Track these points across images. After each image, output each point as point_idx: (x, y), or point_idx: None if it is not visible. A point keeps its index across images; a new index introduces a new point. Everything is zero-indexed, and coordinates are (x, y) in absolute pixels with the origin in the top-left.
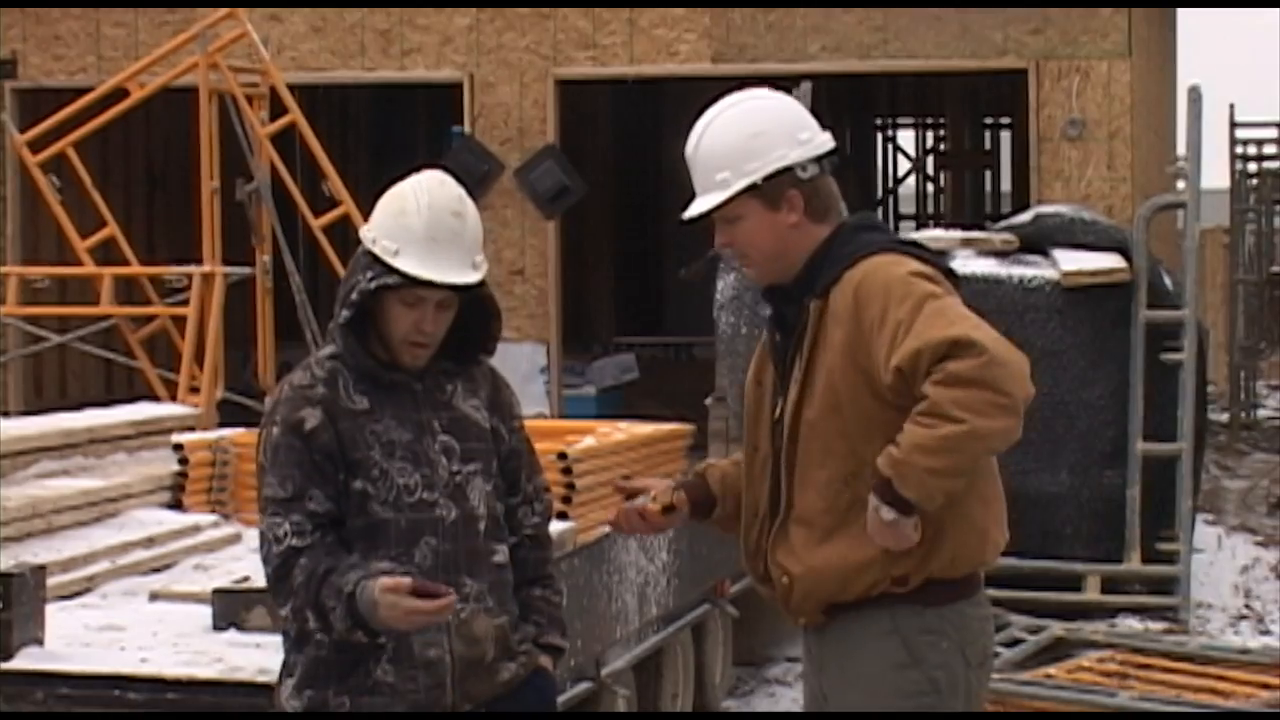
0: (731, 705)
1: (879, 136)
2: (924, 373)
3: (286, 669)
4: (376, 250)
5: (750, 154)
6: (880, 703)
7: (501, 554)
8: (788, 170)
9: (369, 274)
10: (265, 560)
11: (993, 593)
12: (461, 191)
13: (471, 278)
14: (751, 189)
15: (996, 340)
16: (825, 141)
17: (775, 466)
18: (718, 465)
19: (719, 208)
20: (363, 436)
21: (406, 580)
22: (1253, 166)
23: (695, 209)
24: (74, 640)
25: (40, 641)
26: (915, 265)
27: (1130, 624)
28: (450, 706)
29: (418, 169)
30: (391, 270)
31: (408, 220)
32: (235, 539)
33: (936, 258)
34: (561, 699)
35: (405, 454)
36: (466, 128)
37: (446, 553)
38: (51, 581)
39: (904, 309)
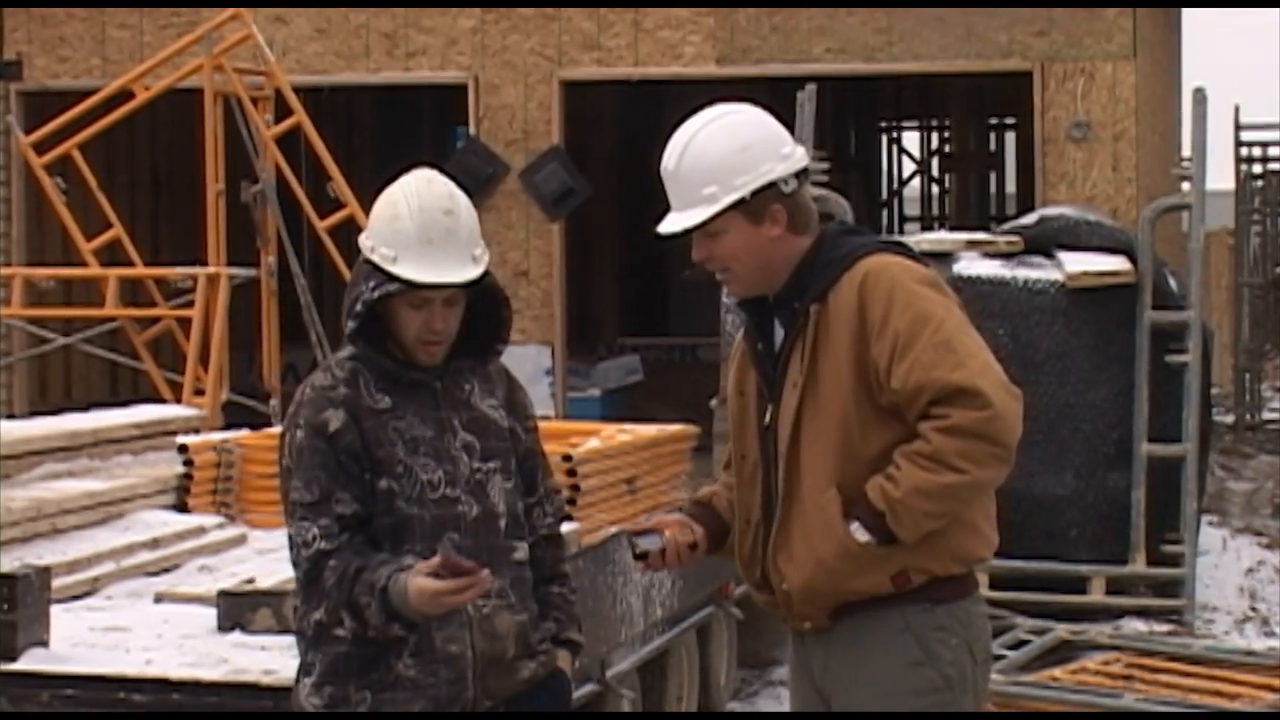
0: (736, 707)
1: (883, 138)
2: (923, 410)
3: (304, 668)
4: (375, 259)
5: (737, 169)
6: (894, 701)
7: (521, 551)
8: (772, 185)
9: (371, 283)
10: (295, 564)
11: (997, 594)
12: (451, 187)
13: (472, 273)
14: (737, 204)
15: (997, 387)
16: (803, 156)
17: (767, 473)
18: (720, 493)
19: (704, 224)
20: (386, 434)
21: (434, 561)
22: (1258, 168)
23: (677, 224)
24: (79, 642)
25: (45, 643)
26: (918, 270)
27: (1135, 626)
28: (470, 702)
29: (410, 169)
30: (389, 277)
31: (401, 225)
32: (240, 540)
33: (924, 258)
34: None
35: (428, 450)
36: (471, 129)
37: (468, 549)
38: (56, 583)
39: (904, 319)
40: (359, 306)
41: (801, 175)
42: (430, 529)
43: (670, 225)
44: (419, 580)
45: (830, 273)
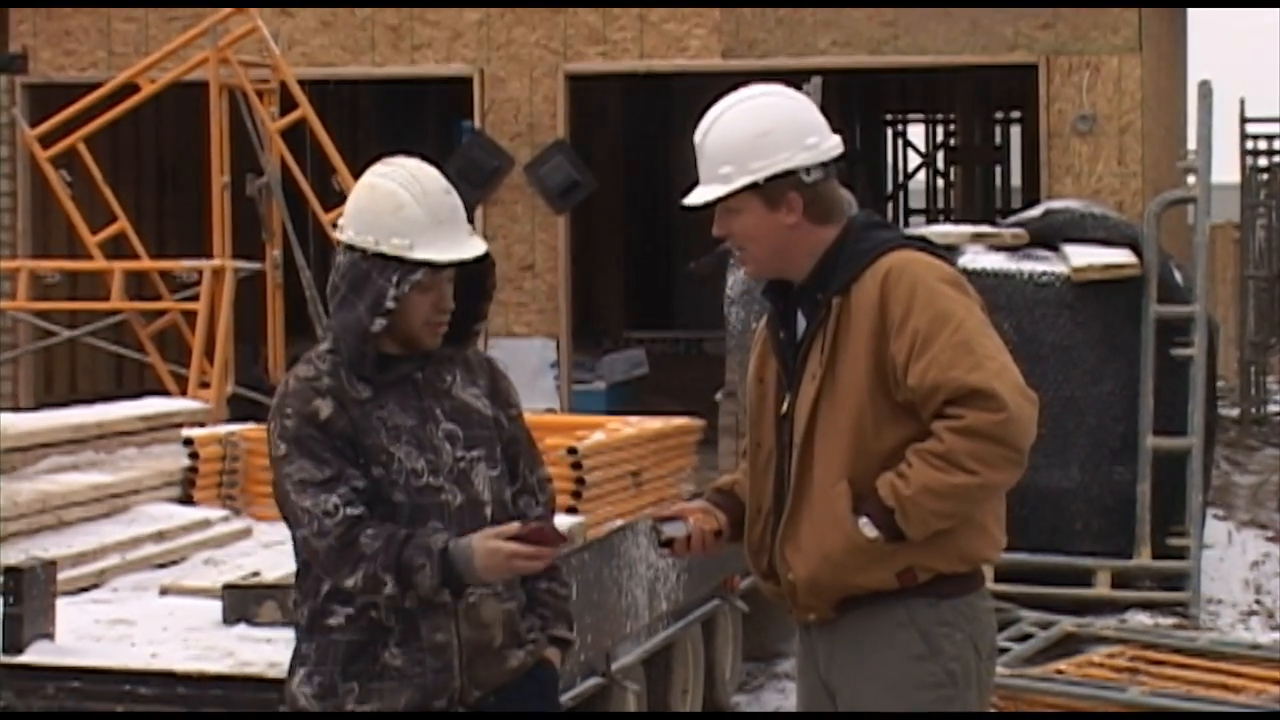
0: (741, 700)
1: (889, 131)
2: (937, 409)
3: (298, 658)
4: (387, 250)
5: (755, 153)
6: (898, 695)
7: None
8: (791, 173)
9: (394, 277)
10: (320, 534)
11: (1003, 587)
12: (433, 168)
13: (481, 246)
14: (752, 186)
15: (1013, 390)
16: (832, 147)
17: (780, 462)
18: (740, 481)
19: (717, 201)
20: (370, 423)
21: (510, 527)
22: (1263, 161)
23: (696, 198)
24: (84, 635)
25: (51, 636)
26: (942, 268)
27: (1140, 619)
28: (458, 691)
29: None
30: (411, 265)
31: (409, 212)
32: (245, 533)
33: (947, 254)
34: (571, 694)
35: (410, 439)
36: (476, 123)
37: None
38: (62, 576)
39: (924, 318)
40: (390, 303)
41: (829, 166)
42: (413, 517)
43: (691, 198)
44: (492, 542)
45: (854, 266)
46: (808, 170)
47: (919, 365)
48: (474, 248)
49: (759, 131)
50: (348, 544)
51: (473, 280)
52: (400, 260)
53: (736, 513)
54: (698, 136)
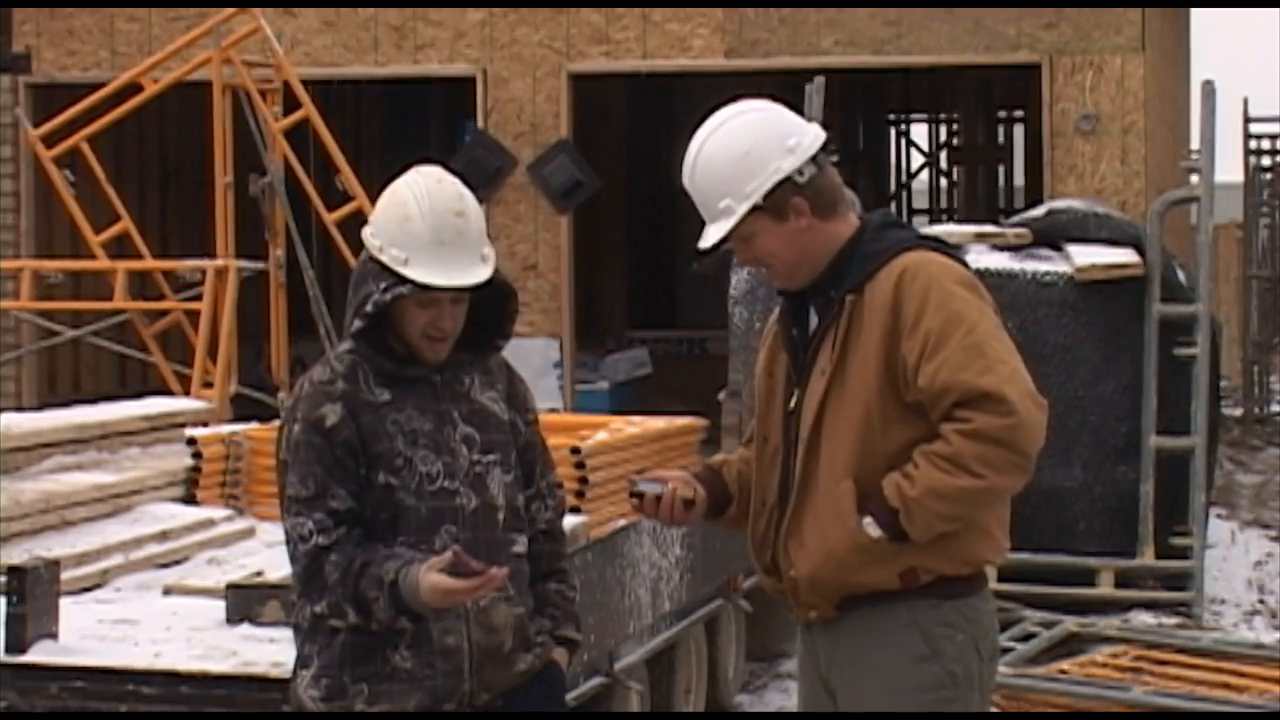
0: (745, 700)
1: (892, 131)
2: (946, 411)
3: (301, 660)
4: (385, 259)
5: (744, 176)
6: (899, 696)
7: (520, 544)
8: (786, 181)
9: (382, 284)
10: (293, 559)
11: (1006, 587)
12: (461, 187)
13: (483, 274)
14: (757, 208)
15: (1023, 395)
16: (814, 142)
17: (786, 457)
18: (732, 462)
19: (729, 235)
20: (384, 428)
21: (445, 556)
22: (1266, 161)
23: (707, 239)
24: (88, 634)
25: (54, 635)
26: (957, 270)
27: (1143, 619)
28: (467, 694)
29: (418, 163)
30: (400, 279)
31: (412, 226)
32: (249, 533)
33: (960, 254)
34: (575, 694)
35: (427, 443)
36: (479, 122)
37: (466, 541)
38: (65, 575)
39: (937, 319)
40: (369, 307)
41: (818, 158)
42: (427, 521)
43: (703, 241)
44: (432, 576)
45: (869, 265)
46: (799, 171)
47: (930, 366)
48: (472, 275)
49: (739, 155)
50: (314, 573)
51: (499, 294)
52: (391, 270)
53: (717, 490)
54: (685, 178)
